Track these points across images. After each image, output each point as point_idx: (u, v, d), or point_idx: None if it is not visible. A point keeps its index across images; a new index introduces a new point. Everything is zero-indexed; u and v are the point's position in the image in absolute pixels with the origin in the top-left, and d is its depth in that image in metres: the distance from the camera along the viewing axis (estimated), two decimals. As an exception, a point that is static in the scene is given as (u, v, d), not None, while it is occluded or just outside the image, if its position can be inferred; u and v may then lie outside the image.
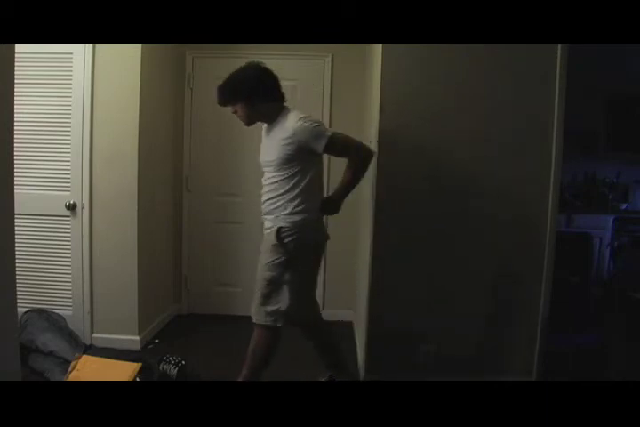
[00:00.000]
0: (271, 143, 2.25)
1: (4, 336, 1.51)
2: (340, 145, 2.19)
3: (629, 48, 3.66)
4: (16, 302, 1.61)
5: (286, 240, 2.20)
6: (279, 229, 2.20)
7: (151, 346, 3.16)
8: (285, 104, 2.31)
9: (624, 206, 4.42)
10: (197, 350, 3.11)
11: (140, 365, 2.45)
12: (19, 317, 2.44)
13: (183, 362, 2.63)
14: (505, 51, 2.43)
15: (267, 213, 2.29)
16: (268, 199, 2.27)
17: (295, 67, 3.60)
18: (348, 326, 3.57)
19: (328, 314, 3.71)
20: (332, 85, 3.62)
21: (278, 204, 2.23)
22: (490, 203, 2.53)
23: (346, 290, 3.66)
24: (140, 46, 2.90)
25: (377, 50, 2.64)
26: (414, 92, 2.51)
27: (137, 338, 3.06)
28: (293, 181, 2.21)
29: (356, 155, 2.24)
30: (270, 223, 2.27)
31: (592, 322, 3.14)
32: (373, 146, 2.60)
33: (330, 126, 3.62)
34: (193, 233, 3.77)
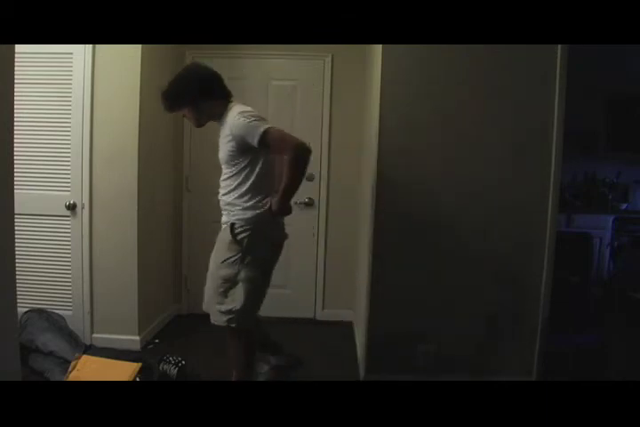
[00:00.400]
0: (220, 141, 2.24)
1: (4, 336, 1.51)
2: (274, 141, 2.08)
3: (629, 48, 3.66)
4: (16, 302, 1.61)
5: (240, 237, 2.17)
6: (232, 225, 2.18)
7: (151, 346, 3.16)
8: (231, 100, 2.27)
9: (624, 206, 4.42)
10: (197, 350, 3.11)
11: (139, 365, 2.45)
12: (19, 317, 2.44)
13: (183, 362, 2.63)
14: (505, 51, 2.43)
15: (223, 210, 2.28)
16: (221, 195, 2.27)
17: (295, 67, 3.60)
18: (348, 326, 3.57)
19: (328, 314, 3.74)
20: (332, 85, 3.62)
21: (230, 200, 2.21)
22: (490, 203, 2.54)
23: (346, 290, 3.66)
24: (139, 46, 2.90)
25: (377, 50, 2.64)
26: (414, 92, 2.51)
27: (137, 338, 3.07)
28: (241, 178, 2.18)
29: (292, 152, 2.06)
30: (225, 218, 2.26)
31: (592, 322, 3.14)
32: (374, 146, 2.61)
33: (330, 126, 3.64)
34: (193, 233, 3.77)
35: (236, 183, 2.20)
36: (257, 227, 2.18)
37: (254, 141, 2.08)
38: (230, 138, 2.13)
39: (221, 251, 2.22)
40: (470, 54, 2.45)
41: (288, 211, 2.21)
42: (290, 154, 2.06)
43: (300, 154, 2.08)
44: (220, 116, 2.23)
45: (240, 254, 2.18)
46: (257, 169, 2.18)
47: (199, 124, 2.30)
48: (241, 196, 2.19)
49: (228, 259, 2.19)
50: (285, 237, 2.36)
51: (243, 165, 2.18)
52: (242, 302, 2.18)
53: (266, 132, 2.06)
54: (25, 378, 1.80)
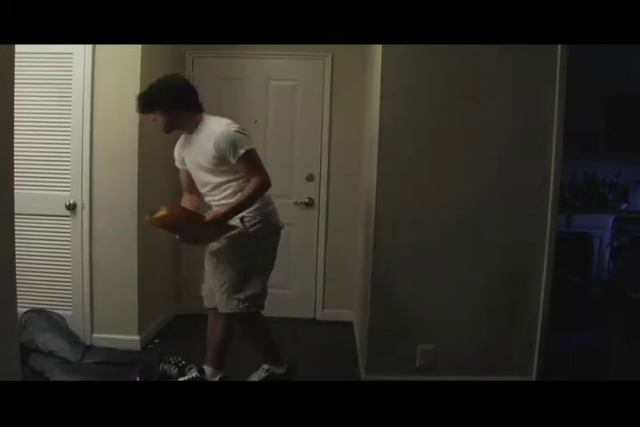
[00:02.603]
0: (191, 150, 2.34)
1: (4, 336, 1.51)
2: (250, 164, 2.24)
3: (629, 48, 3.66)
4: (16, 302, 1.61)
5: (253, 229, 2.29)
6: (242, 219, 2.28)
7: (151, 346, 3.16)
8: (202, 112, 2.37)
9: (624, 206, 4.42)
10: (197, 350, 3.11)
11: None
12: (19, 317, 2.43)
13: (183, 362, 2.63)
14: (505, 51, 2.43)
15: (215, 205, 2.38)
16: (219, 200, 2.34)
17: (295, 67, 3.60)
18: (348, 326, 3.57)
19: (328, 314, 3.74)
20: (332, 85, 3.61)
21: (216, 193, 2.33)
22: (490, 203, 2.54)
23: (346, 290, 3.66)
24: (139, 46, 2.89)
25: (377, 50, 2.64)
26: (414, 92, 2.51)
27: (137, 338, 3.06)
28: (236, 180, 2.30)
29: (258, 181, 2.22)
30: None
31: (592, 322, 3.14)
32: (374, 146, 2.61)
33: (330, 126, 3.64)
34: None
35: (233, 186, 2.29)
36: (265, 218, 2.33)
37: (233, 158, 2.21)
38: (212, 148, 2.22)
39: (236, 244, 2.30)
40: (470, 54, 2.45)
41: (222, 228, 2.24)
42: (255, 182, 2.23)
43: (262, 187, 2.25)
44: (191, 127, 2.34)
45: (255, 244, 2.31)
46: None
47: (167, 131, 2.39)
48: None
49: (245, 250, 2.31)
50: (282, 226, 2.48)
51: (231, 169, 2.27)
52: (260, 286, 2.34)
53: (246, 154, 2.21)
54: (25, 378, 1.80)
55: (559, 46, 2.44)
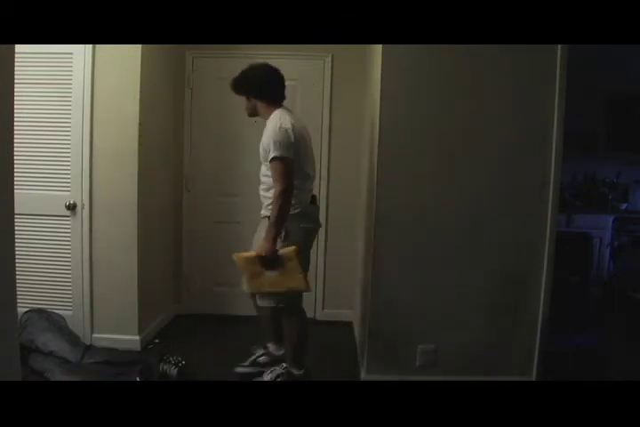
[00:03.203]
0: (262, 140, 2.44)
1: (4, 336, 1.51)
2: (276, 169, 2.32)
3: (629, 48, 3.66)
4: (16, 302, 1.61)
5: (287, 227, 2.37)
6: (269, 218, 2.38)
7: (151, 346, 3.15)
8: (282, 105, 2.52)
9: (624, 206, 4.42)
10: (197, 350, 3.11)
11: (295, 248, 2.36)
12: (19, 317, 2.43)
13: (183, 362, 2.63)
14: (505, 51, 2.43)
15: (263, 203, 2.51)
16: (261, 191, 2.51)
17: (295, 67, 3.60)
18: (348, 326, 3.57)
19: (328, 314, 3.74)
20: (332, 85, 3.61)
21: (269, 195, 2.41)
22: (490, 203, 2.54)
23: (346, 290, 3.66)
24: (140, 46, 2.89)
25: (377, 50, 2.64)
26: (414, 92, 2.51)
27: (137, 338, 3.06)
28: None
29: (279, 189, 2.30)
30: (264, 212, 2.47)
31: (592, 322, 3.14)
32: (374, 146, 2.61)
33: (330, 126, 3.64)
34: (193, 233, 3.77)
35: (271, 181, 2.39)
36: (291, 217, 2.37)
37: (267, 158, 2.35)
38: (263, 141, 2.39)
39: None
40: (470, 54, 2.45)
41: (277, 258, 2.31)
42: (277, 192, 2.31)
43: (283, 196, 2.30)
44: (265, 116, 2.49)
45: (281, 241, 2.35)
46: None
47: (248, 114, 2.58)
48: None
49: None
50: (319, 225, 2.66)
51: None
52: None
53: (276, 159, 2.30)
54: (25, 378, 1.80)
55: (559, 46, 2.44)
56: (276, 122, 2.35)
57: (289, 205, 2.32)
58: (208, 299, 3.78)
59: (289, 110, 2.51)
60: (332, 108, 3.64)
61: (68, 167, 2.95)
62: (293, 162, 2.33)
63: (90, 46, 2.86)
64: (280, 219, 2.30)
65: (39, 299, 2.97)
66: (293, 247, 2.29)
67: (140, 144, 2.96)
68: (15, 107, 1.54)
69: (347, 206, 3.64)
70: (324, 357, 3.09)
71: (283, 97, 2.52)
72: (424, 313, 2.58)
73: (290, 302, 2.48)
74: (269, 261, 2.30)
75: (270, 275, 2.34)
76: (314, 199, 2.60)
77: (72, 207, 2.96)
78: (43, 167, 2.95)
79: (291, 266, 2.29)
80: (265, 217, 2.45)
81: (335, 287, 3.72)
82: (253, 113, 2.54)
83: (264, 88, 2.46)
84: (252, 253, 2.35)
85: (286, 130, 2.31)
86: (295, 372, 2.54)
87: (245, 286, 2.48)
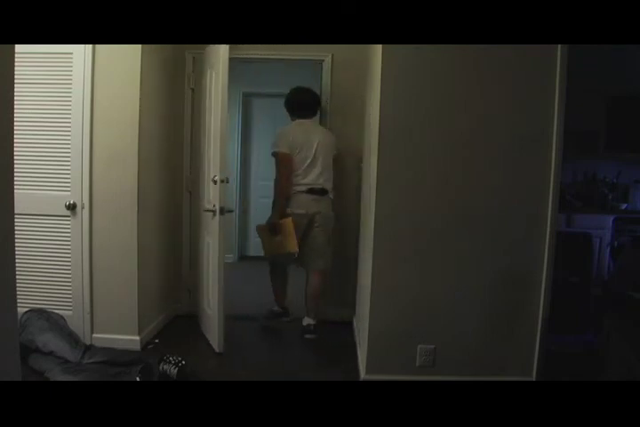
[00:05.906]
0: None
1: (3, 336, 1.51)
2: (277, 161, 3.40)
3: (629, 48, 3.65)
4: (16, 302, 1.61)
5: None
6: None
7: (151, 346, 3.16)
8: (297, 119, 3.51)
9: (624, 206, 4.42)
10: (197, 350, 3.11)
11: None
12: (19, 317, 2.43)
13: (183, 362, 2.63)
14: (505, 51, 2.43)
15: None
16: None
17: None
18: (347, 326, 3.57)
19: (328, 314, 3.74)
20: (332, 85, 3.61)
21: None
22: (490, 203, 2.54)
23: (346, 290, 3.65)
24: (140, 46, 2.89)
25: (377, 50, 2.64)
26: (414, 92, 2.51)
27: (137, 338, 3.06)
28: None
29: (276, 179, 3.45)
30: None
31: (592, 322, 3.14)
32: (374, 146, 2.61)
33: (330, 127, 3.64)
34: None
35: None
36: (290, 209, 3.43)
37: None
38: None
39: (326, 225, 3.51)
40: (470, 54, 2.45)
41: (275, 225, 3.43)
42: (276, 181, 3.46)
43: (277, 186, 3.45)
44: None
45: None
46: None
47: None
48: None
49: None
50: (309, 212, 3.43)
51: None
52: (330, 255, 3.52)
53: (274, 154, 3.39)
54: (25, 378, 1.80)
55: (559, 46, 2.44)
56: (282, 128, 3.46)
57: (278, 194, 3.40)
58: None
59: (303, 123, 3.42)
60: (331, 108, 3.63)
61: (68, 167, 2.95)
62: (289, 156, 3.32)
63: (90, 46, 2.86)
64: (275, 198, 3.43)
65: (39, 299, 2.97)
66: (290, 218, 3.31)
67: (139, 144, 2.96)
68: (15, 107, 1.54)
69: (346, 206, 3.64)
70: (324, 357, 3.10)
71: (298, 114, 3.47)
72: (424, 313, 2.58)
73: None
74: (272, 226, 3.38)
75: (277, 240, 3.36)
76: (312, 190, 3.36)
77: (72, 207, 2.96)
78: (43, 167, 2.95)
79: (286, 232, 3.31)
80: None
81: (335, 287, 3.72)
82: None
83: (286, 106, 3.53)
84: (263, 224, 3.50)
85: (287, 128, 3.37)
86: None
87: (264, 251, 3.57)
